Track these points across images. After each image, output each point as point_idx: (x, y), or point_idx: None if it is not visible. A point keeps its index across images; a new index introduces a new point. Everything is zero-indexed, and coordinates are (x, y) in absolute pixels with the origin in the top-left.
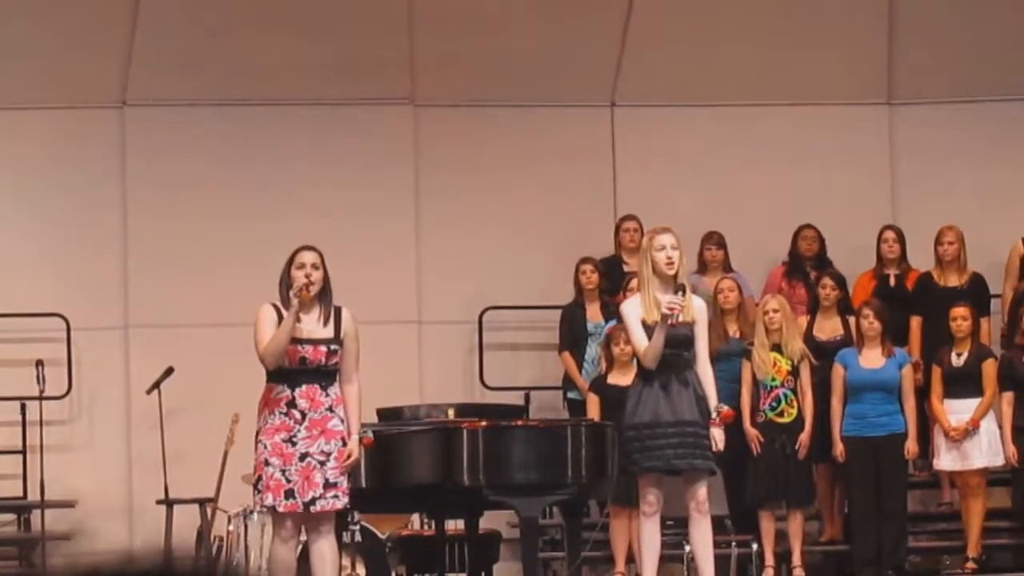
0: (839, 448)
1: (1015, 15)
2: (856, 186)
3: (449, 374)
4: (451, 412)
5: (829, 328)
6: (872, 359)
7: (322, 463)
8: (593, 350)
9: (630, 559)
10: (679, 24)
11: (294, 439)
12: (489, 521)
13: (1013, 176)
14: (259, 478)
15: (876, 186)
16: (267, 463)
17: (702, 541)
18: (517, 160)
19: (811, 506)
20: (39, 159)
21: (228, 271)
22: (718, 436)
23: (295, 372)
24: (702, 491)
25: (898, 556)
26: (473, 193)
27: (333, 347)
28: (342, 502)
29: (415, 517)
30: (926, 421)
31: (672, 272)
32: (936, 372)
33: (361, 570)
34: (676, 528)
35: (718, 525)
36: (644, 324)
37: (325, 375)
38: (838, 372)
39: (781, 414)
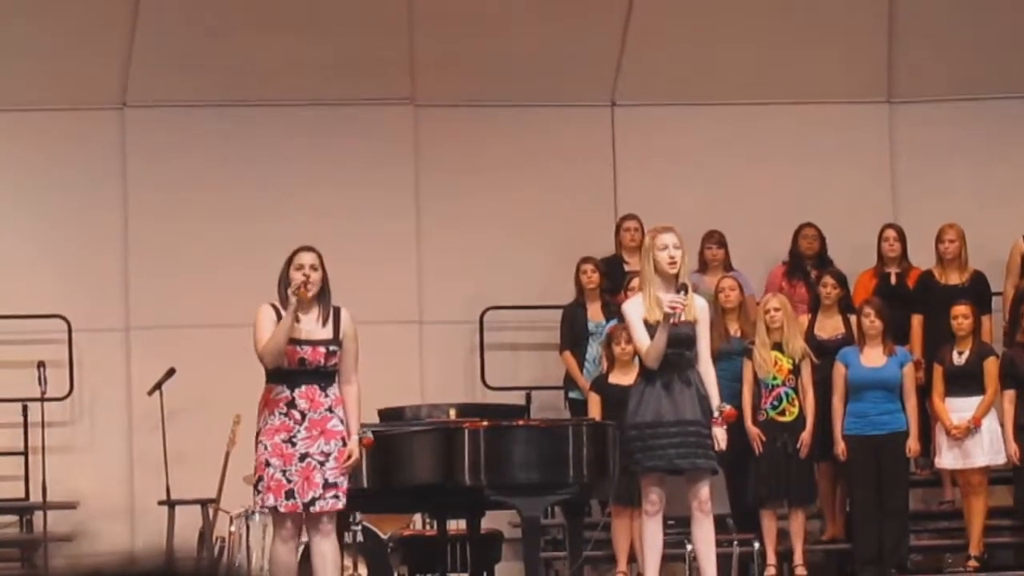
0: (840, 447)
1: (1015, 13)
2: (857, 184)
3: (450, 374)
4: (452, 412)
5: (830, 327)
6: (873, 358)
7: (322, 463)
8: (594, 350)
9: (632, 559)
10: (679, 23)
11: (294, 439)
12: (491, 521)
13: (1013, 174)
14: (260, 479)
15: (877, 184)
16: (267, 464)
17: (704, 540)
18: (518, 160)
19: (813, 505)
20: (40, 160)
21: (229, 272)
22: (720, 435)
23: (294, 373)
24: (704, 490)
25: (900, 555)
26: (474, 193)
27: (332, 348)
28: (341, 502)
29: (417, 517)
30: (927, 419)
31: (674, 271)
32: (937, 370)
33: (363, 570)
34: (678, 527)
35: (720, 524)
36: (646, 323)
37: (324, 376)
38: (839, 371)
39: (782, 413)
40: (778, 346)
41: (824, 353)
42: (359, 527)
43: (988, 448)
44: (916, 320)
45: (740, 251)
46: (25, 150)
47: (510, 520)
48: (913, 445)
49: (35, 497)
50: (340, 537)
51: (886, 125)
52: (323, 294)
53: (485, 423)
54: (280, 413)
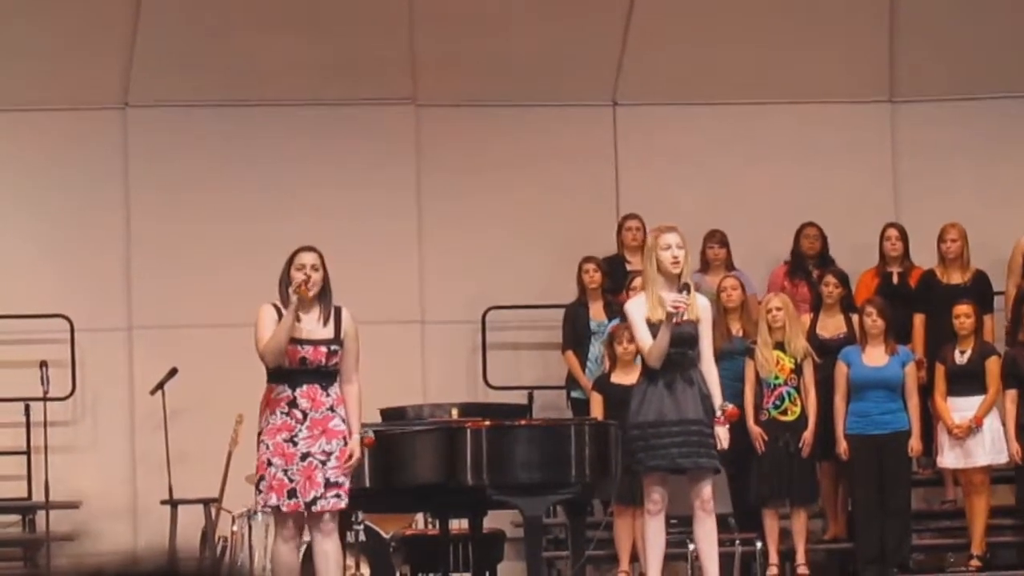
0: (843, 446)
1: (1016, 13)
2: (858, 184)
3: (452, 374)
4: (454, 412)
5: (832, 326)
6: (875, 357)
7: (323, 463)
8: (596, 349)
9: (634, 558)
10: (680, 23)
11: (295, 439)
12: (493, 520)
13: (1015, 173)
14: (261, 478)
15: (878, 184)
16: (269, 463)
17: (707, 540)
18: (519, 160)
19: (815, 504)
20: (42, 160)
21: (231, 272)
22: (723, 435)
23: (295, 372)
24: (707, 490)
25: (902, 554)
26: (475, 193)
27: (333, 347)
28: (344, 502)
29: (419, 517)
30: (929, 419)
31: (677, 271)
32: (939, 370)
33: (365, 570)
34: (680, 527)
35: (722, 523)
36: (649, 323)
37: (325, 375)
38: (841, 370)
39: (784, 412)
40: (780, 345)
41: (826, 352)
42: (361, 526)
43: (990, 447)
44: (918, 319)
45: (742, 251)
46: (27, 150)
47: (512, 520)
48: (915, 444)
49: (37, 497)
50: (342, 537)
51: (888, 124)
52: (324, 294)
53: (487, 423)
54: (282, 412)
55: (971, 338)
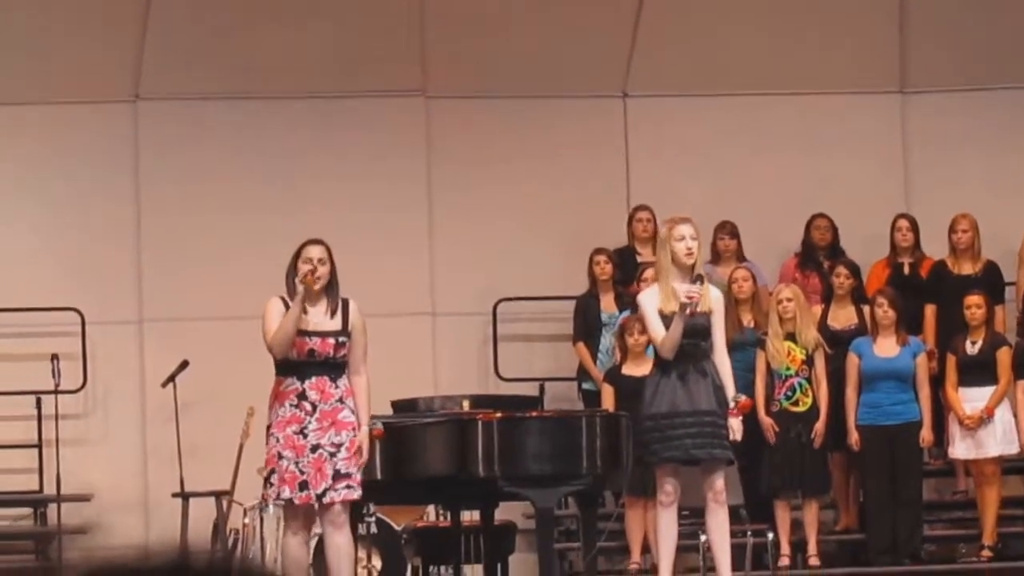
0: (854, 437)
1: None
2: (869, 175)
3: (463, 366)
4: (465, 404)
5: (843, 317)
6: (886, 348)
7: (332, 454)
8: (607, 341)
9: (645, 549)
10: (690, 14)
11: (305, 431)
12: (504, 512)
13: None
14: (272, 471)
15: (889, 175)
16: (280, 456)
17: (719, 531)
18: (530, 151)
19: (826, 495)
20: (52, 154)
21: (242, 264)
22: (736, 426)
23: (304, 364)
24: (719, 481)
25: (913, 544)
26: (486, 185)
27: (341, 339)
28: (356, 492)
29: (430, 509)
30: (941, 409)
31: (691, 262)
32: (951, 360)
33: (377, 562)
34: (692, 518)
35: (733, 515)
36: (661, 314)
37: (334, 367)
38: (852, 361)
39: (796, 403)
40: (791, 336)
41: (837, 343)
42: (373, 518)
43: (1001, 438)
44: (929, 310)
45: (752, 242)
46: (38, 144)
47: (524, 511)
48: (926, 435)
49: (49, 489)
50: (354, 529)
51: (898, 115)
52: (331, 287)
53: (498, 414)
54: (291, 405)
55: (982, 328)
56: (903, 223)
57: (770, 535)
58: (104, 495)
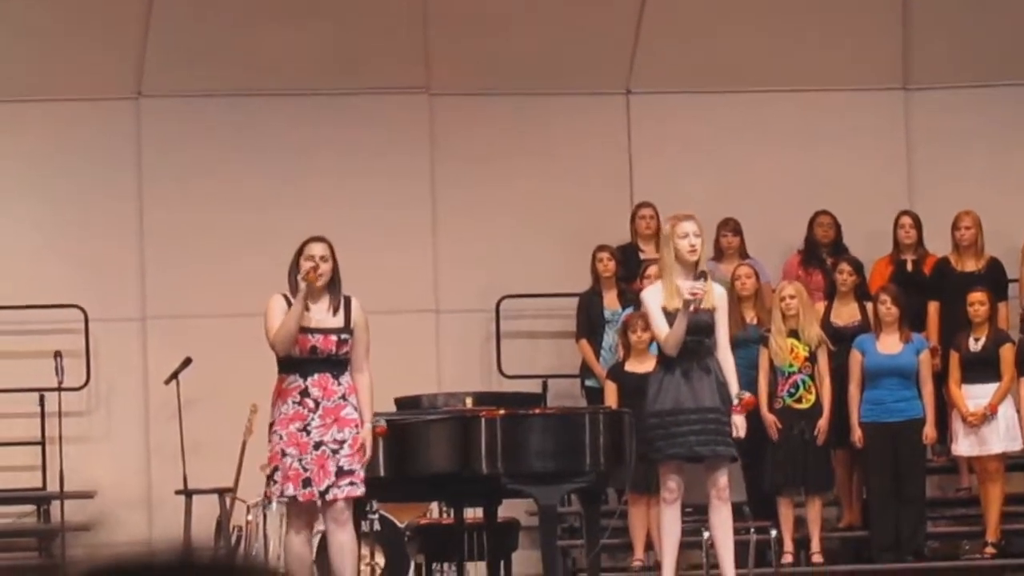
0: (857, 434)
1: None
2: (872, 172)
3: (466, 363)
4: (469, 401)
5: (846, 314)
6: (889, 345)
7: (335, 451)
8: (610, 338)
9: (648, 546)
10: (694, 11)
11: (308, 428)
12: (508, 509)
13: None
14: (276, 469)
15: (892, 171)
16: (284, 453)
17: (722, 527)
18: (533, 148)
19: (829, 492)
20: (55, 150)
21: (245, 261)
22: (739, 423)
23: (306, 361)
24: (723, 478)
25: (917, 542)
26: (489, 182)
27: (343, 336)
28: (360, 489)
29: (434, 506)
30: (944, 406)
31: (695, 259)
32: (954, 357)
33: (380, 559)
34: (695, 515)
35: (736, 511)
36: (665, 311)
37: (336, 364)
38: (855, 358)
39: (799, 400)
40: (794, 333)
41: (840, 340)
42: (376, 516)
43: (1004, 435)
44: (932, 307)
45: (755, 239)
46: (40, 140)
47: (527, 508)
48: (930, 432)
49: (52, 487)
50: (357, 526)
51: (901, 112)
52: (333, 284)
53: (502, 411)
54: (293, 402)
55: (985, 325)
56: (906, 220)
57: (773, 532)
58: (107, 492)
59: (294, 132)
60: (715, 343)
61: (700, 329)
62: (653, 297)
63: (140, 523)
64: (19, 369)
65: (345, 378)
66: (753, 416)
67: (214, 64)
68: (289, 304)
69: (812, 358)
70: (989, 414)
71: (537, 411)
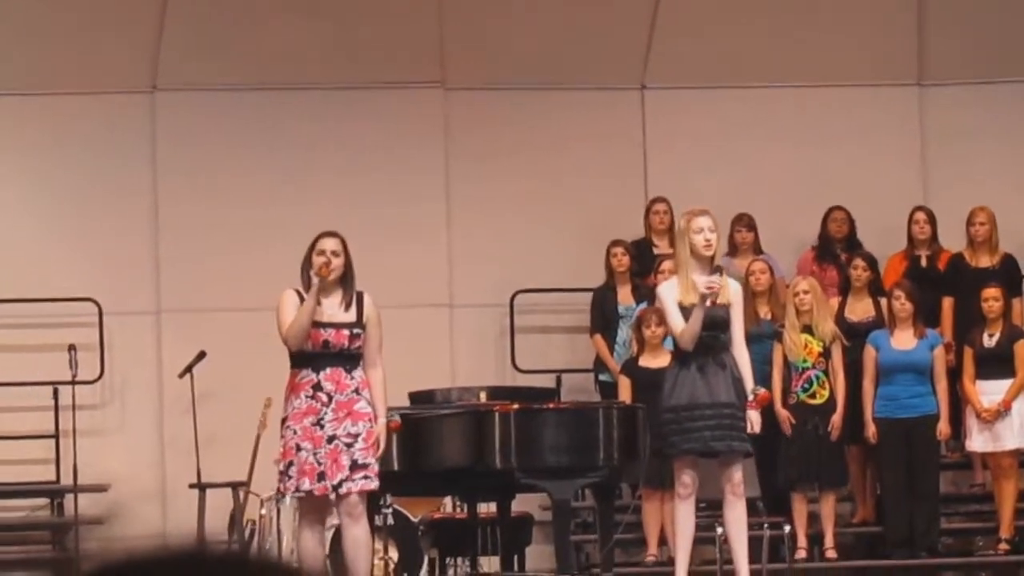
0: (871, 430)
1: None
2: (886, 167)
3: (480, 357)
4: (483, 395)
5: (860, 309)
6: (904, 340)
7: (349, 445)
8: (624, 332)
9: (662, 541)
10: (708, 7)
11: (321, 422)
12: (521, 504)
13: None
14: (290, 463)
15: (906, 167)
16: (298, 448)
17: (736, 523)
18: (548, 143)
19: (843, 488)
20: (69, 144)
21: (260, 255)
22: (755, 418)
23: (319, 356)
24: (737, 473)
25: (931, 537)
26: (504, 176)
27: (356, 331)
28: (374, 483)
29: (447, 500)
30: (958, 402)
31: (710, 254)
32: (968, 353)
33: (394, 553)
34: (708, 510)
35: (750, 507)
36: (681, 306)
37: (348, 359)
38: (870, 354)
39: (813, 396)
40: (808, 329)
41: (854, 336)
42: (390, 510)
43: (1018, 431)
44: (947, 303)
45: (769, 234)
46: (55, 134)
47: (540, 503)
48: (943, 428)
49: (66, 480)
50: (370, 520)
51: (916, 108)
52: (346, 280)
53: (515, 406)
54: (306, 396)
55: (999, 321)
56: (920, 216)
57: (787, 528)
58: (121, 486)
59: (309, 126)
60: (730, 338)
61: (716, 324)
62: (669, 292)
63: (154, 517)
64: (33, 362)
65: (358, 372)
66: (767, 412)
67: (229, 58)
68: (301, 299)
69: (826, 354)
70: (1003, 410)
71: (551, 406)
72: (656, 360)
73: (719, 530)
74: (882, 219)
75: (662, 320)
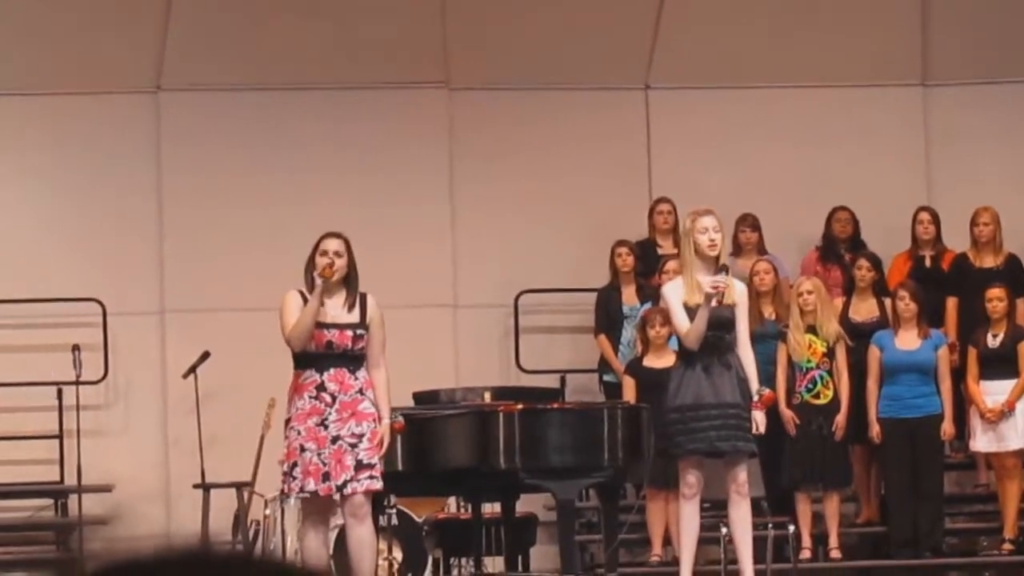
0: (875, 430)
1: None
2: (890, 168)
3: (485, 357)
4: (487, 395)
5: (865, 310)
6: (908, 340)
7: (353, 446)
8: (628, 333)
9: (666, 541)
10: (712, 6)
11: (325, 422)
12: (525, 504)
13: None
14: (294, 464)
15: (910, 167)
16: (303, 449)
17: (741, 523)
18: (552, 143)
19: (847, 488)
20: (74, 144)
21: (263, 255)
22: (760, 418)
23: (322, 356)
24: (742, 473)
25: (935, 538)
26: (508, 177)
27: (359, 331)
28: (378, 484)
29: (451, 500)
30: (962, 402)
31: (715, 254)
32: (972, 353)
33: (398, 553)
34: (712, 511)
35: (754, 507)
36: (686, 306)
37: (352, 359)
38: (874, 354)
39: (817, 396)
40: (812, 329)
41: (858, 336)
42: (394, 510)
43: (1023, 431)
44: (951, 303)
45: (773, 234)
46: (59, 134)
47: (545, 503)
48: (948, 428)
49: (70, 481)
50: (375, 521)
51: (920, 108)
52: (349, 281)
53: (520, 406)
54: (310, 397)
55: (1003, 321)
56: (924, 216)
57: (791, 528)
58: (125, 486)
59: (313, 127)
60: (735, 339)
61: (721, 324)
62: (674, 292)
63: (158, 517)
64: (37, 363)
65: (361, 373)
66: (771, 412)
67: (233, 58)
68: (304, 300)
69: (830, 354)
70: (1007, 410)
71: (555, 406)
72: (660, 360)
73: (723, 530)
74: (886, 219)
75: (666, 320)
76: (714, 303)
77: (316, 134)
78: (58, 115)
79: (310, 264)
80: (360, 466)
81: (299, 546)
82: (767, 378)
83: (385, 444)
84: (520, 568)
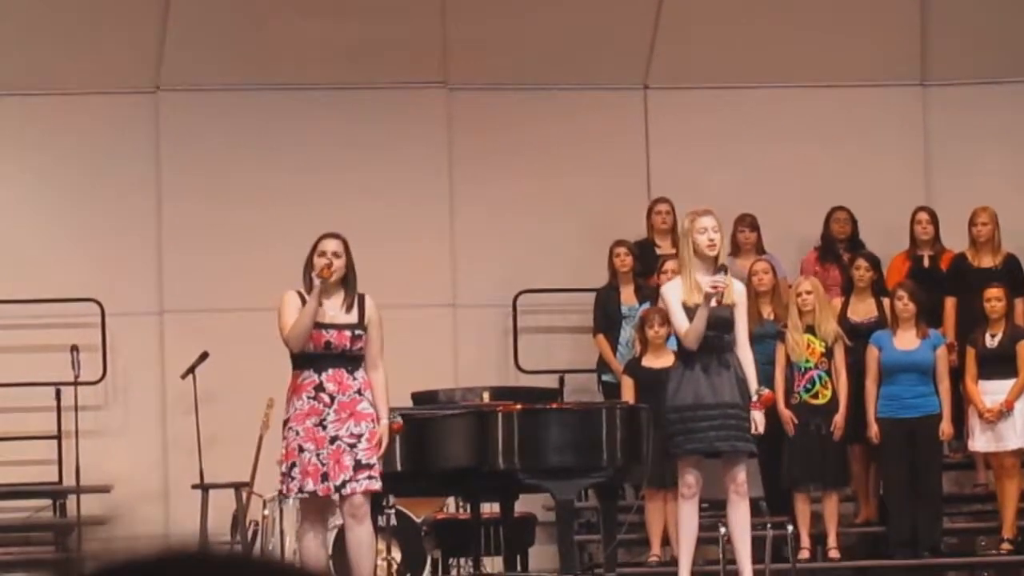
0: (874, 430)
1: None
2: (889, 167)
3: (484, 357)
4: (486, 395)
5: (863, 310)
6: (906, 340)
7: (352, 446)
8: (627, 333)
9: (665, 541)
10: (712, 6)
11: (324, 423)
12: (524, 504)
13: None
14: (292, 464)
15: (909, 167)
16: (301, 449)
17: (740, 523)
18: (551, 143)
19: (846, 488)
20: (73, 143)
21: (263, 255)
22: (758, 419)
23: (320, 357)
24: (741, 474)
25: (933, 538)
26: (507, 176)
27: (357, 332)
28: (377, 484)
29: (450, 501)
30: (960, 402)
31: (713, 254)
32: (970, 353)
33: (396, 554)
34: (711, 511)
35: (753, 507)
36: (685, 306)
37: (350, 360)
38: (872, 354)
39: (815, 396)
40: (810, 329)
41: (857, 336)
42: (392, 511)
43: (1021, 431)
44: (949, 303)
45: (772, 234)
46: (59, 133)
47: (544, 503)
48: (946, 428)
49: (68, 481)
50: (373, 521)
51: (919, 108)
52: (348, 281)
53: (519, 406)
54: (308, 397)
55: (1002, 321)
56: (923, 216)
57: (790, 528)
58: (124, 486)
59: (312, 126)
60: (734, 339)
61: (720, 324)
62: (673, 292)
63: (156, 517)
64: (35, 363)
65: (360, 373)
66: (770, 412)
67: (233, 58)
68: (302, 301)
69: (828, 354)
70: (1005, 410)
71: (554, 406)
72: (659, 360)
73: (722, 530)
74: (885, 219)
75: (665, 320)
76: (713, 303)
77: (316, 134)
78: (57, 115)
79: (308, 264)
80: (359, 466)
81: (298, 546)
82: (766, 378)
83: (384, 444)
84: (519, 568)
